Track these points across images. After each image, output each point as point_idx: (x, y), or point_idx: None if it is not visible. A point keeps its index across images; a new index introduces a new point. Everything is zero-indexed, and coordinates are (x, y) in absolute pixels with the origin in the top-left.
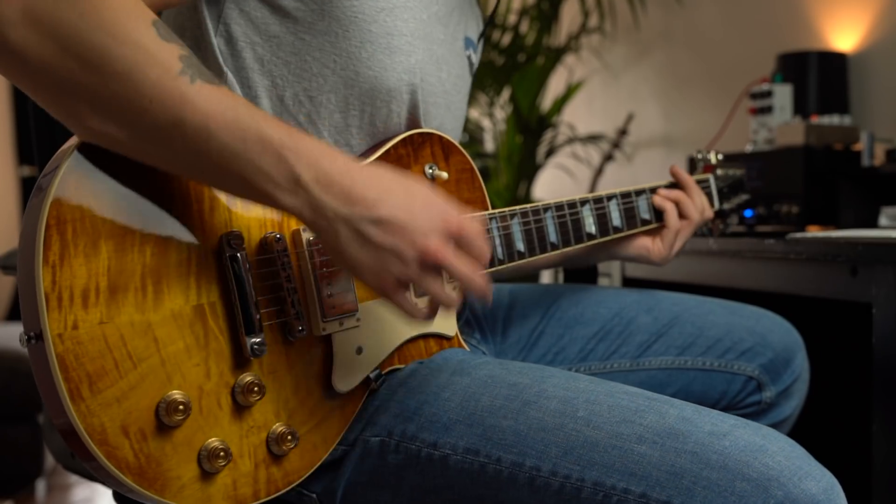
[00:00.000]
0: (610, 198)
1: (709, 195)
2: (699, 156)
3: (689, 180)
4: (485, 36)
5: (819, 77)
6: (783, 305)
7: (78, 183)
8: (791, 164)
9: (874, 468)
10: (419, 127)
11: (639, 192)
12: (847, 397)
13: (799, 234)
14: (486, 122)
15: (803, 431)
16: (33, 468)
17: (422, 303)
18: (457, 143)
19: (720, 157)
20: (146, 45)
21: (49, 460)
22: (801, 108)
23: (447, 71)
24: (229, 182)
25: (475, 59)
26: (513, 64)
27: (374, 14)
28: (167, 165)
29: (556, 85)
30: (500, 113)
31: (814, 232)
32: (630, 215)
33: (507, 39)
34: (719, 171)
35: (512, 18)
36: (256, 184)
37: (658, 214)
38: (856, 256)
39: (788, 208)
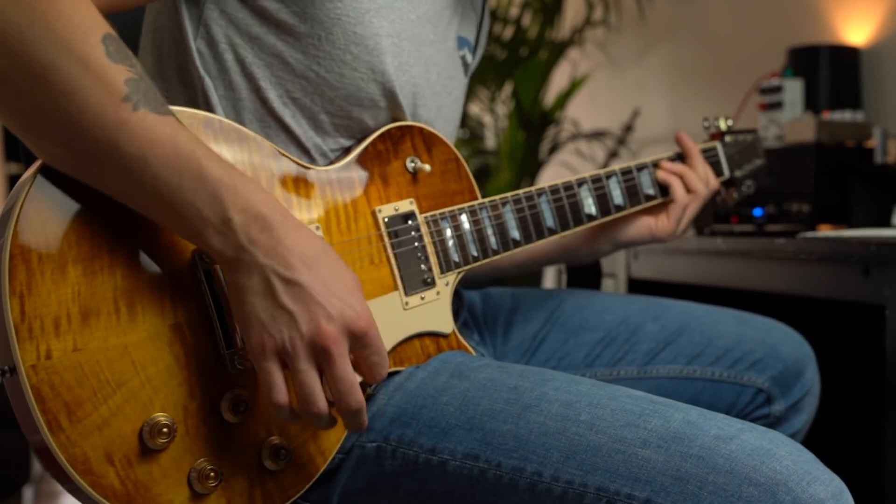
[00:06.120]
0: (609, 175)
1: (716, 164)
2: (706, 123)
3: (694, 149)
4: (482, 34)
5: (830, 72)
6: (793, 307)
7: (41, 208)
8: (802, 162)
9: (886, 474)
10: None
11: (640, 167)
12: (859, 402)
13: (810, 234)
14: (487, 119)
15: (814, 436)
16: (21, 475)
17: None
18: (439, 134)
19: (730, 123)
20: (93, 65)
21: (37, 467)
22: (811, 103)
23: (436, 72)
24: (159, 213)
25: (471, 59)
26: (515, 58)
27: (359, 16)
28: (99, 186)
29: (559, 80)
30: (502, 108)
31: (825, 231)
32: (633, 192)
33: (508, 33)
34: (728, 138)
35: (514, 11)
36: (186, 219)
37: (663, 189)
38: (868, 256)
39: (799, 207)
